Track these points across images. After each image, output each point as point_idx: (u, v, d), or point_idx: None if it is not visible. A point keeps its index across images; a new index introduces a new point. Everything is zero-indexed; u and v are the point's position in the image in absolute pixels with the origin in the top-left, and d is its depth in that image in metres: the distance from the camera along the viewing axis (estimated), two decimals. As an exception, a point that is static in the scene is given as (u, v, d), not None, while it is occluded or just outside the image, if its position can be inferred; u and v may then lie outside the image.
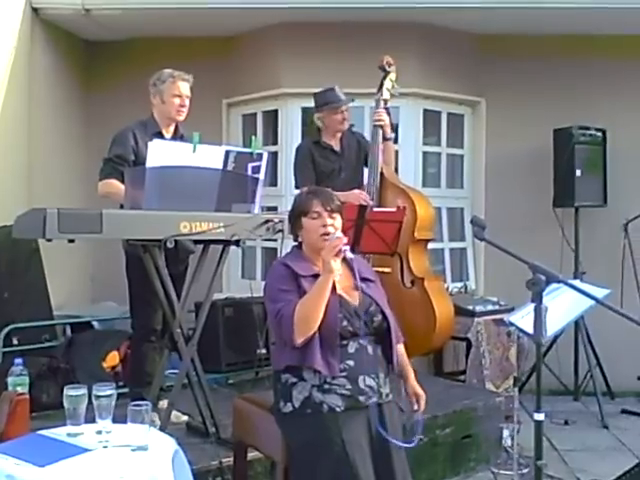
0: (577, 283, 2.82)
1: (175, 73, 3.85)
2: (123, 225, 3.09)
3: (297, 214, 2.87)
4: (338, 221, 2.82)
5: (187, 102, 3.88)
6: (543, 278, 2.27)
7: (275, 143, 6.11)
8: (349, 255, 2.68)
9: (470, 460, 4.30)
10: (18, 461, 2.34)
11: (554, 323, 2.98)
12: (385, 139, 4.73)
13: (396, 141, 5.70)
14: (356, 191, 4.57)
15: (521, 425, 4.09)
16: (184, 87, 3.86)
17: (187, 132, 3.90)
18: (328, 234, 2.75)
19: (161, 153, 3.22)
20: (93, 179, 5.73)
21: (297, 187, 4.70)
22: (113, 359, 4.53)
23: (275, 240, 4.68)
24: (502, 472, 4.23)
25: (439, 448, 4.11)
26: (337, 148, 4.74)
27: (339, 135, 4.74)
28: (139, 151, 3.70)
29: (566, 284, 2.40)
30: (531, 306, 2.41)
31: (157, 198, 3.18)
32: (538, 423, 2.44)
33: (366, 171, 4.76)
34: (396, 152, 5.66)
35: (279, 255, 5.53)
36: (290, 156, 5.64)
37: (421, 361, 5.35)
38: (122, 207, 3.64)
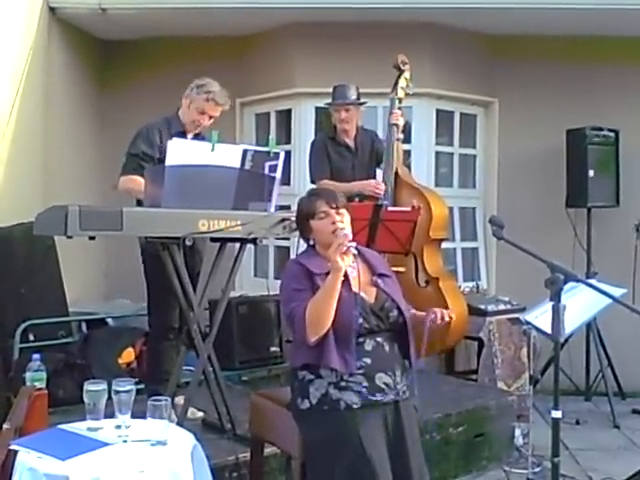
0: (594, 282, 2.83)
1: (214, 93, 3.80)
2: (143, 222, 3.12)
3: (304, 218, 2.88)
4: (346, 217, 2.83)
5: (207, 122, 3.86)
6: (562, 277, 2.28)
7: (288, 142, 6.12)
8: (354, 251, 2.66)
9: (482, 459, 4.31)
10: (40, 454, 2.39)
11: (569, 323, 2.99)
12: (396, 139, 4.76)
13: (409, 141, 5.74)
14: (372, 181, 4.61)
15: (532, 424, 4.11)
16: (212, 109, 3.83)
17: (204, 130, 3.92)
18: (340, 229, 2.75)
19: (180, 152, 3.25)
20: (107, 177, 5.81)
21: (312, 181, 4.74)
22: (129, 356, 4.56)
23: (288, 239, 4.74)
24: (514, 470, 4.25)
25: (452, 446, 4.12)
26: (352, 145, 4.78)
27: (353, 133, 4.77)
28: (163, 149, 3.70)
29: (585, 283, 2.42)
30: (549, 305, 2.41)
31: (176, 196, 3.21)
32: (555, 420, 2.45)
33: (380, 170, 4.79)
34: (409, 152, 5.70)
35: (291, 253, 5.59)
36: (303, 155, 5.67)
37: (433, 360, 5.37)
38: (138, 203, 3.68)
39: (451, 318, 2.81)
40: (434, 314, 2.80)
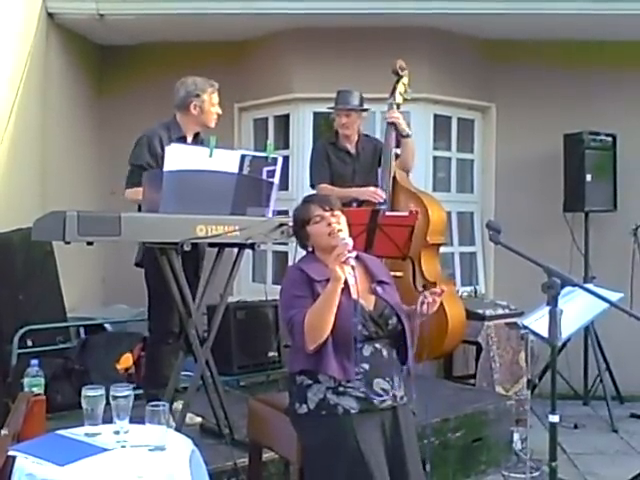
0: (591, 287, 2.84)
1: (212, 82, 3.89)
2: (141, 228, 3.13)
3: (300, 225, 2.89)
4: (342, 219, 2.83)
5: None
6: (558, 281, 2.29)
7: (286, 147, 6.13)
8: (352, 263, 2.63)
9: (481, 463, 4.31)
10: (38, 460, 2.38)
11: (566, 327, 2.99)
12: (403, 136, 4.75)
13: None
14: (371, 188, 4.61)
15: (530, 428, 4.11)
16: (217, 96, 3.91)
17: (203, 136, 3.93)
18: (337, 231, 2.76)
19: (178, 157, 3.25)
20: (105, 182, 5.84)
21: (312, 185, 4.74)
22: (127, 361, 4.55)
23: (286, 244, 4.74)
24: (512, 475, 4.25)
25: (450, 451, 4.12)
26: (353, 151, 4.79)
27: (355, 139, 4.78)
28: (164, 156, 3.69)
29: (581, 288, 2.42)
30: (546, 309, 2.42)
31: (174, 201, 3.21)
32: (553, 425, 2.45)
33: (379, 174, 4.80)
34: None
35: (289, 259, 5.58)
36: (301, 160, 5.69)
37: (431, 365, 5.37)
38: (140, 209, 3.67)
39: (442, 291, 2.77)
40: (423, 297, 2.76)
